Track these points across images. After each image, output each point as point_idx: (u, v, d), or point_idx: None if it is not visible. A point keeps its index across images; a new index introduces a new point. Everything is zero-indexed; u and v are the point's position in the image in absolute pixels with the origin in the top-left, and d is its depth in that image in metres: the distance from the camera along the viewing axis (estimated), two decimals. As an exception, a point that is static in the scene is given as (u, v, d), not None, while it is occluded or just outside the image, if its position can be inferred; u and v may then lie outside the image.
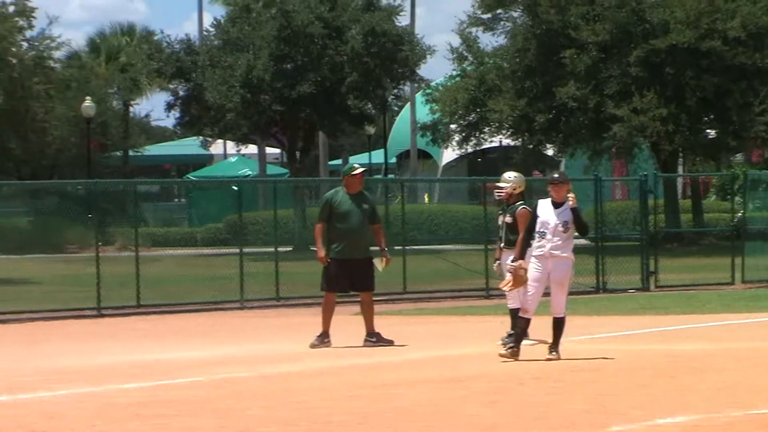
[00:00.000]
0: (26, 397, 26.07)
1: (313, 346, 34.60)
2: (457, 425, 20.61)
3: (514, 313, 32.70)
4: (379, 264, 35.92)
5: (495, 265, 35.52)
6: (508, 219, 34.17)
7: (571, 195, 31.14)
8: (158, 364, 33.30)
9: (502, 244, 34.26)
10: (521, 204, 34.04)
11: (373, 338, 35.51)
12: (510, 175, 36.62)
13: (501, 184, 35.41)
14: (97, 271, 52.45)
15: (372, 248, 36.71)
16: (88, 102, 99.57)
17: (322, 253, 35.54)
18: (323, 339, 35.18)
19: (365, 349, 35.86)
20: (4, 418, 21.87)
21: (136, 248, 56.82)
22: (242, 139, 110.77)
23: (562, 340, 30.53)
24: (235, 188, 73.21)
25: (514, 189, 34.66)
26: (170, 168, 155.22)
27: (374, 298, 40.88)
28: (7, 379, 29.22)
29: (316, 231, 36.18)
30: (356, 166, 39.82)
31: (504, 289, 32.76)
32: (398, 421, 21.46)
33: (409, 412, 22.67)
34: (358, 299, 37.33)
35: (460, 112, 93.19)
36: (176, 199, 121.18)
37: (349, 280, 35.96)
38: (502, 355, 29.85)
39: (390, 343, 35.58)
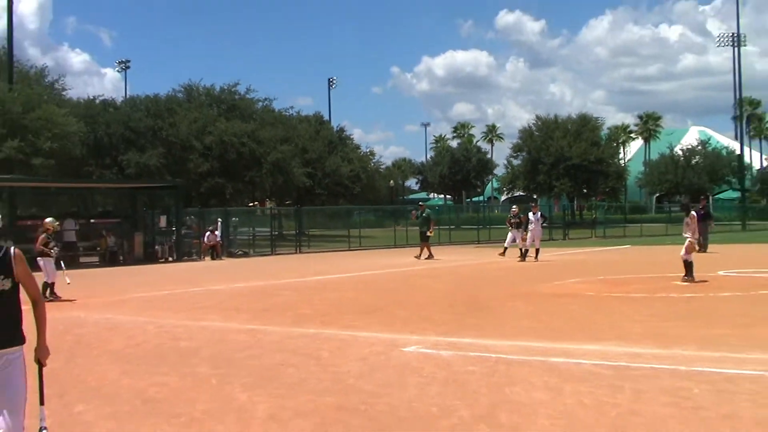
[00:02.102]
0: (393, 271, 36.79)
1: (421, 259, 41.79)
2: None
3: (506, 249, 40.05)
4: (429, 233, 42.55)
5: (515, 234, 39.65)
6: (515, 221, 39.51)
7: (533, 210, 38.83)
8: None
9: (511, 227, 39.80)
10: (520, 214, 40.05)
11: (427, 258, 40.96)
12: (514, 206, 46.76)
13: (513, 209, 42.66)
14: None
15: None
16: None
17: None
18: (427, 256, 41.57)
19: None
20: (402, 273, 32.45)
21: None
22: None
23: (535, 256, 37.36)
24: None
25: (517, 210, 41.23)
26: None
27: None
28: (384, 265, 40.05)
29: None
30: (420, 203, 51.16)
31: (518, 244, 38.99)
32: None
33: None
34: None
35: (508, 184, 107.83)
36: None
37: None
38: (499, 256, 39.07)
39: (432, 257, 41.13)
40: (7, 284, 6.39)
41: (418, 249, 42.14)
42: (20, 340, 6.53)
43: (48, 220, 24.92)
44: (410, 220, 55.23)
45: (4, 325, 6.41)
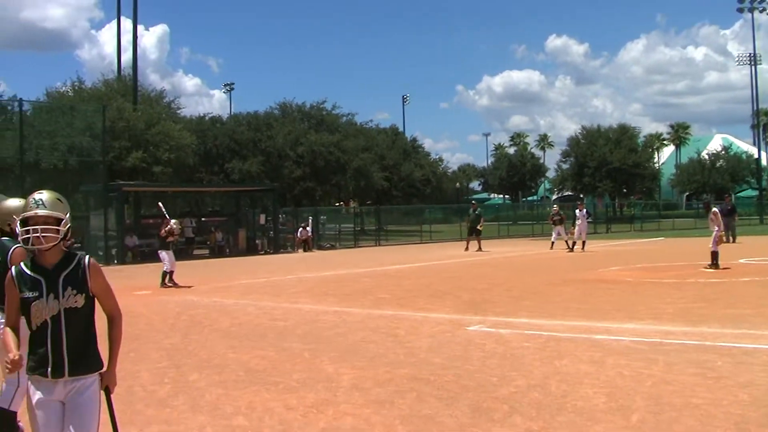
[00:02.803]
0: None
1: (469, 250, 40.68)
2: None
3: (553, 243, 39.14)
4: (479, 227, 41.83)
5: (559, 230, 39.13)
6: (557, 218, 39.05)
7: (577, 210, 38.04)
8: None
9: (554, 224, 39.13)
10: (560, 212, 40.04)
11: (478, 250, 39.90)
12: (555, 205, 48.03)
13: (554, 208, 43.31)
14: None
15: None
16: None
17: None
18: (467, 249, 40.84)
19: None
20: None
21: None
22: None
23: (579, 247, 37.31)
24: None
25: (557, 209, 41.07)
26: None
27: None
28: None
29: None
30: (473, 202, 50.70)
31: (564, 237, 38.81)
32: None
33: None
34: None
35: (558, 185, 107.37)
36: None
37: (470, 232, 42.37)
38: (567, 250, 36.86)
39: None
40: (79, 301, 4.94)
41: (478, 241, 41.07)
42: (94, 366, 5.04)
43: (173, 221, 25.28)
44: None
45: (75, 349, 4.93)
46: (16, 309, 5.04)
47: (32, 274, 4.97)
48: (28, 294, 4.93)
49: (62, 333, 4.90)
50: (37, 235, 4.89)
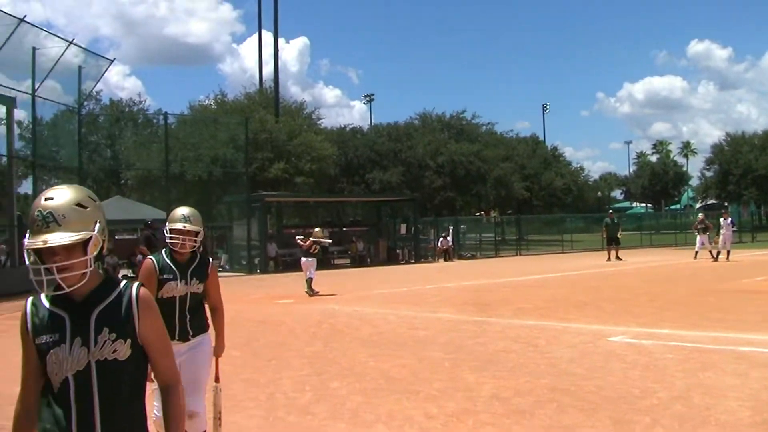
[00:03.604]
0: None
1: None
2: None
3: (697, 252, 38.45)
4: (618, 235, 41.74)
5: (703, 239, 37.87)
6: (701, 226, 38.03)
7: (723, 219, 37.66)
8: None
9: (698, 233, 38.16)
10: (705, 220, 38.55)
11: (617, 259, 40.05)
12: (701, 213, 45.00)
13: (700, 216, 40.95)
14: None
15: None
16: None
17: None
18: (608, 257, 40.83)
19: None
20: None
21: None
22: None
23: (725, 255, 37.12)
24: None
25: (703, 217, 39.33)
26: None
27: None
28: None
29: None
30: (610, 211, 49.91)
31: (708, 246, 37.97)
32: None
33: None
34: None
35: (701, 193, 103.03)
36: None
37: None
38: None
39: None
40: (121, 350, 3.15)
41: (617, 251, 40.80)
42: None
43: (316, 230, 25.74)
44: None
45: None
46: (33, 372, 3.35)
47: (52, 308, 3.32)
48: (45, 338, 3.29)
49: (93, 399, 3.27)
50: (53, 276, 3.20)
